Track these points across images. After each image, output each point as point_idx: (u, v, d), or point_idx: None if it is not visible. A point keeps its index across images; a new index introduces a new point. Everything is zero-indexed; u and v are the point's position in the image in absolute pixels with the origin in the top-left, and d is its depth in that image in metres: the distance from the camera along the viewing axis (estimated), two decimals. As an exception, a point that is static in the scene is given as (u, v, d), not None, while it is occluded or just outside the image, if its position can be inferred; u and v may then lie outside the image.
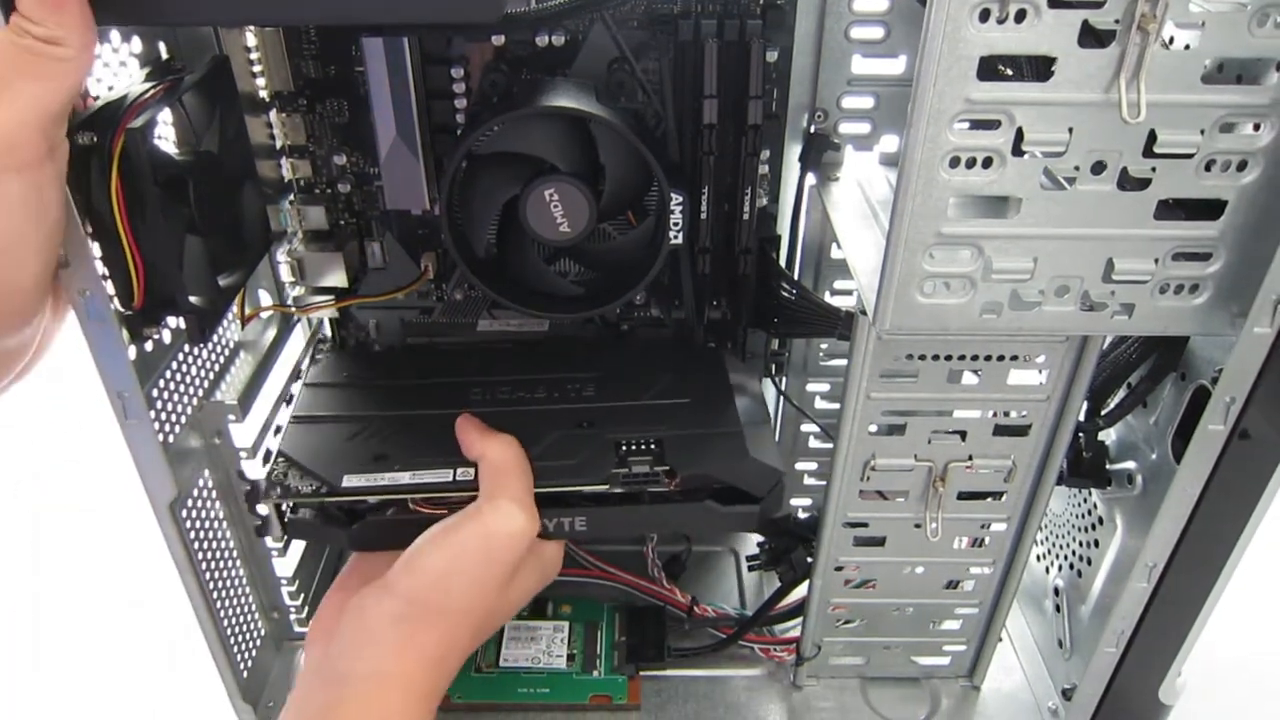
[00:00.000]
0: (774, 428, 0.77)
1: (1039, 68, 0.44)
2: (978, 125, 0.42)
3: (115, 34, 0.49)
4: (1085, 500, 0.65)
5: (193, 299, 0.50)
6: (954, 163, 0.43)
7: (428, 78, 0.61)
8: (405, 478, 0.58)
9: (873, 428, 0.56)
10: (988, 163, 0.43)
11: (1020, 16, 0.39)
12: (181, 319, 0.52)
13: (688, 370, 0.68)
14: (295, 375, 0.68)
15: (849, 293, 0.70)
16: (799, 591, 0.68)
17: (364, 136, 0.65)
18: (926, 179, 0.43)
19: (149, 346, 0.51)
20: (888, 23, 0.60)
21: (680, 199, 0.59)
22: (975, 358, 0.53)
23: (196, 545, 0.57)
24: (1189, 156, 0.43)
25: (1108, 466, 0.61)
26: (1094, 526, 0.64)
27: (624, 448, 0.60)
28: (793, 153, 0.65)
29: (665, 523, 0.63)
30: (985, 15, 0.39)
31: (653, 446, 0.60)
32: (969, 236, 0.45)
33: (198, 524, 0.57)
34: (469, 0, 0.40)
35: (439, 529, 0.55)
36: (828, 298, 0.70)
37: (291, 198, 0.67)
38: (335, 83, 0.63)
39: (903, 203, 0.43)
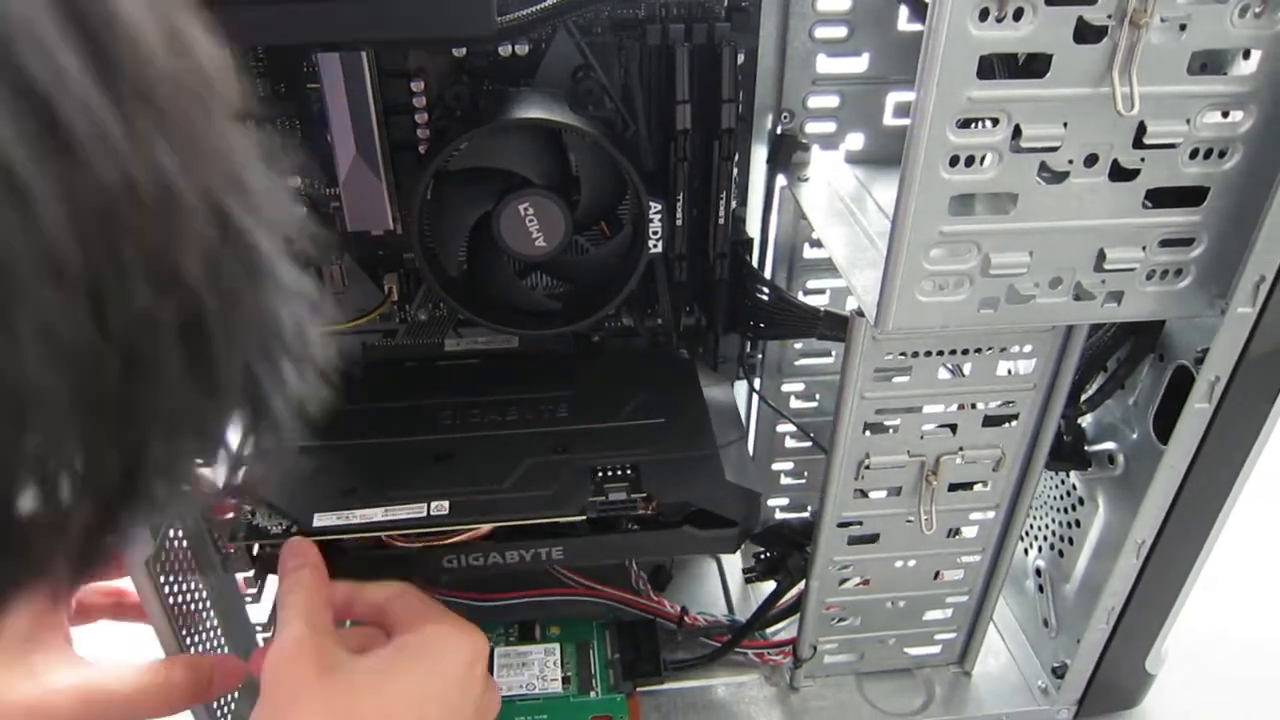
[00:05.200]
0: (748, 431, 0.77)
1: (1022, 64, 0.45)
2: (977, 123, 0.42)
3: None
4: (1064, 482, 0.67)
5: (161, 340, 0.47)
6: (954, 162, 0.43)
7: (385, 92, 0.59)
8: (378, 514, 0.56)
9: (866, 427, 0.56)
10: (987, 160, 0.43)
11: (1019, 15, 0.39)
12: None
13: (661, 386, 0.67)
14: None
15: (822, 292, 0.70)
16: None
17: (318, 156, 0.62)
18: (928, 179, 0.43)
19: (112, 393, 0.47)
20: (851, 22, 0.61)
21: (658, 207, 0.58)
22: (966, 351, 0.54)
23: (171, 601, 0.53)
24: (1174, 146, 0.44)
25: (1086, 449, 0.63)
26: (1074, 507, 0.65)
27: (600, 474, 0.59)
28: (758, 154, 0.65)
29: (642, 548, 0.62)
30: (985, 14, 0.39)
31: (629, 472, 0.59)
32: (969, 234, 0.45)
33: (171, 578, 0.54)
34: (464, 16, 0.38)
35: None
36: (801, 298, 0.69)
37: (242, 224, 0.64)
38: (285, 101, 0.60)
39: (905, 203, 0.43)
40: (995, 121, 0.42)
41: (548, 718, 0.66)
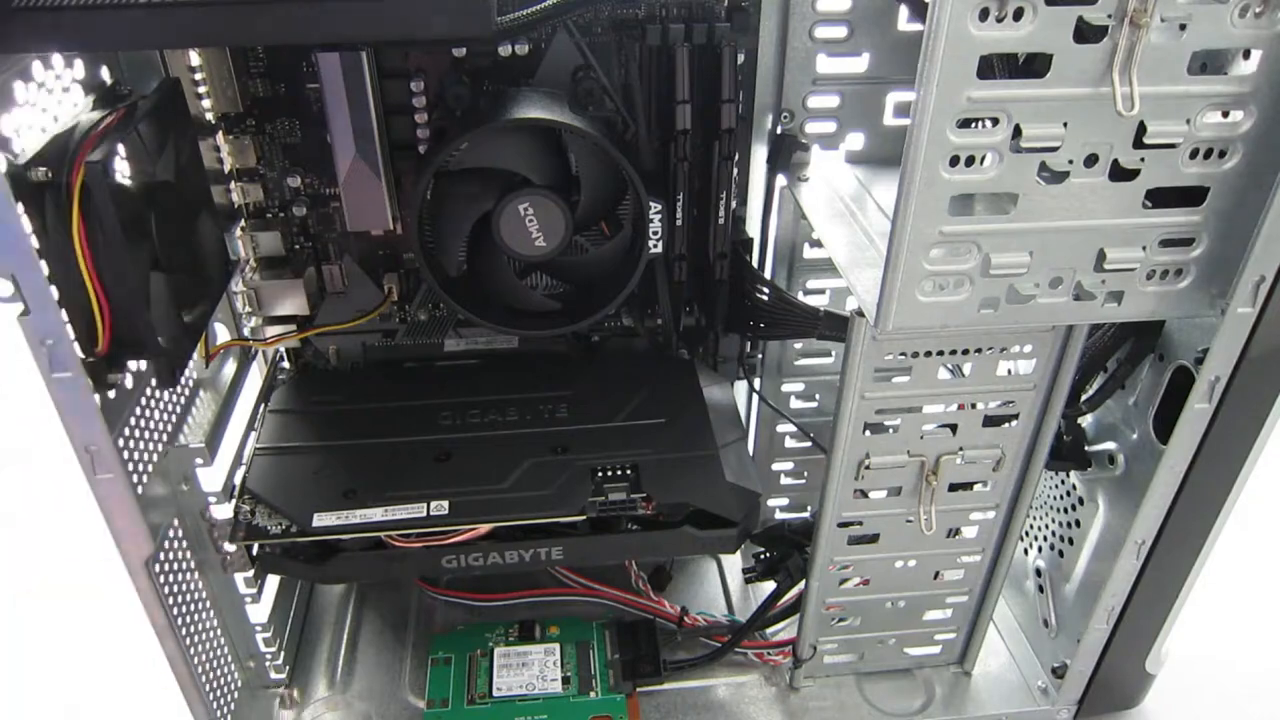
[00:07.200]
0: (748, 431, 0.77)
1: (1022, 64, 0.44)
2: (977, 123, 0.42)
3: (57, 59, 0.45)
4: (1064, 482, 0.67)
5: (161, 339, 0.47)
6: (954, 162, 0.43)
7: (385, 93, 0.59)
8: (378, 514, 0.57)
9: (866, 427, 0.56)
10: (987, 160, 0.43)
11: (1019, 15, 0.39)
12: (144, 362, 0.49)
13: (661, 386, 0.67)
14: (261, 400, 0.66)
15: (822, 292, 0.70)
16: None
17: (318, 156, 0.62)
18: (929, 179, 0.43)
19: (112, 394, 0.47)
20: (851, 22, 0.61)
21: (658, 207, 0.58)
22: (966, 351, 0.54)
23: (171, 601, 0.53)
24: (1174, 146, 0.44)
25: (1086, 449, 0.63)
26: (1074, 507, 0.65)
27: (599, 474, 0.59)
28: (758, 154, 0.65)
29: (642, 549, 0.63)
30: (985, 14, 0.39)
31: (628, 472, 0.59)
32: (969, 234, 0.45)
33: (171, 578, 0.54)
34: (464, 16, 0.38)
35: None
36: (801, 297, 0.69)
37: (242, 224, 0.64)
38: (285, 101, 0.60)
39: (905, 203, 0.43)
40: (995, 121, 0.42)
41: (548, 718, 0.66)
